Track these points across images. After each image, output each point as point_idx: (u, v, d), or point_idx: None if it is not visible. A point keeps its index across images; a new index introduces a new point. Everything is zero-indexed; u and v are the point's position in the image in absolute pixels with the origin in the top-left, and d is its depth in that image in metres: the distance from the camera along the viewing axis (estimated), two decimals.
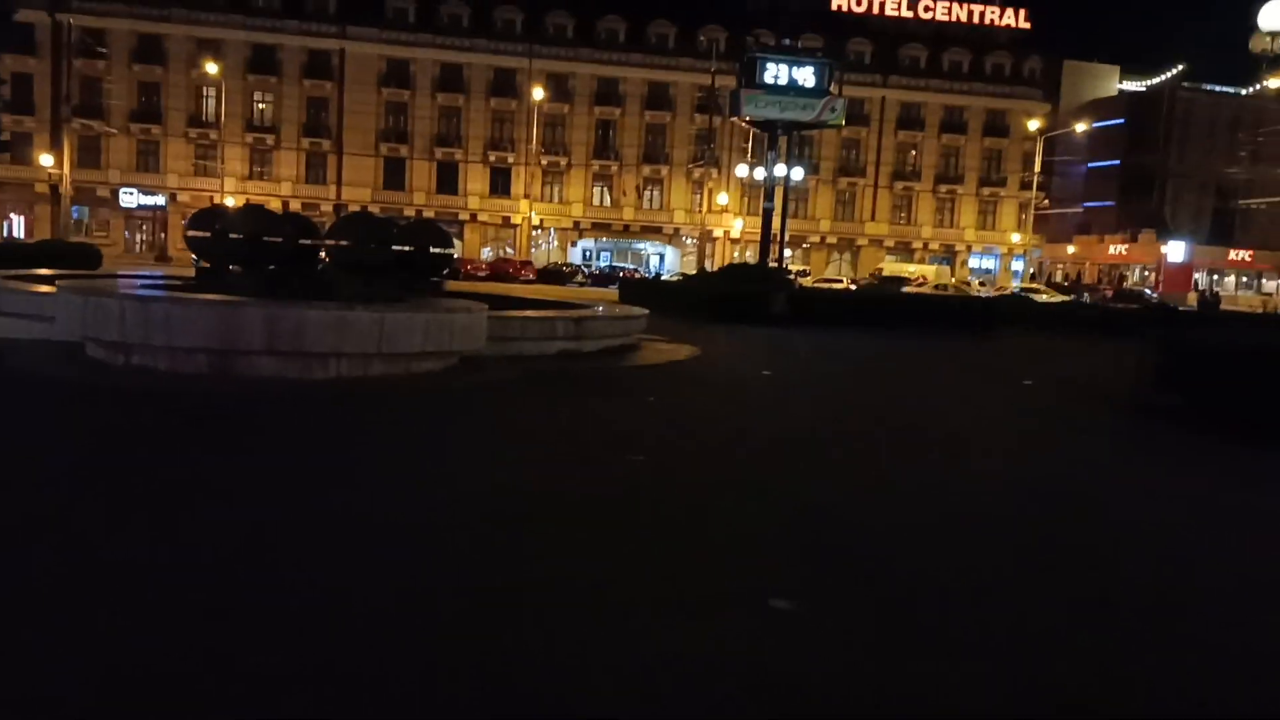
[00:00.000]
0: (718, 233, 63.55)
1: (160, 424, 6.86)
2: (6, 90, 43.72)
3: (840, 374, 13.61)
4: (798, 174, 26.33)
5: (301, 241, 14.67)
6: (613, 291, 45.81)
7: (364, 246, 13.84)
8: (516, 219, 62.58)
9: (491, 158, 62.68)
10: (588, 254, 65.27)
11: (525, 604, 3.67)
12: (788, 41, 31.65)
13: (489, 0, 62.21)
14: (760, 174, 25.37)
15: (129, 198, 58.94)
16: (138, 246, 59.80)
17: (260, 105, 61.13)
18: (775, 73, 27.52)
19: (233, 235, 13.91)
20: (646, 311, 14.26)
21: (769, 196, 26.83)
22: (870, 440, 8.04)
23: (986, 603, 4.03)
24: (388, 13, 61.47)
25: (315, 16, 60.47)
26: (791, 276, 30.81)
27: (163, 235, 59.59)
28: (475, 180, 62.96)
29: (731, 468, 6.50)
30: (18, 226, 57.36)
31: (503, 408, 8.49)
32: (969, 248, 68.60)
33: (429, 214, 60.07)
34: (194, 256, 14.89)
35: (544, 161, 62.44)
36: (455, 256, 16.09)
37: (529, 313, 12.37)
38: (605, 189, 64.56)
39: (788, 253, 64.38)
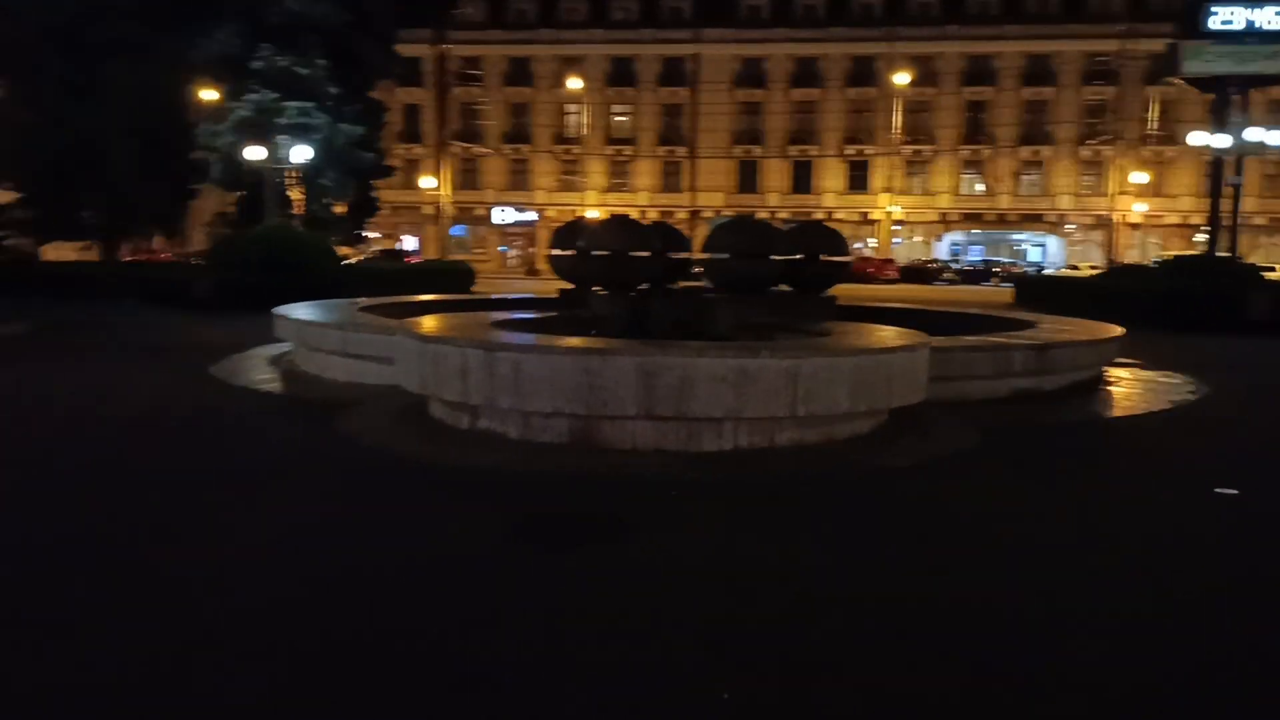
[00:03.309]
0: (1113, 219, 55.45)
1: (516, 555, 4.55)
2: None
3: None
4: (1276, 138, 20.57)
5: (671, 255, 12.51)
6: (996, 290, 40.60)
7: (744, 258, 11.33)
8: (876, 214, 58.58)
9: (849, 151, 59.14)
10: (956, 248, 59.68)
11: None
12: None
13: None
14: (1223, 141, 19.95)
15: (502, 215, 62.42)
16: (510, 261, 63.16)
17: (618, 118, 62.17)
18: (1228, 16, 21.79)
19: (596, 252, 12.01)
20: (1122, 331, 10.45)
21: (1237, 170, 21.17)
22: None
23: None
24: (741, 11, 60.01)
25: (671, 23, 60.39)
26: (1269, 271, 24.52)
27: (532, 250, 62.48)
28: (831, 177, 59.77)
29: None
30: (410, 246, 62.67)
31: (1002, 512, 5.39)
32: None
33: (783, 215, 57.84)
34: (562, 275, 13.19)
35: (906, 151, 57.86)
36: (850, 262, 13.09)
37: (969, 339, 9.14)
38: (976, 176, 58.60)
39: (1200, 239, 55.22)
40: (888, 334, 7.65)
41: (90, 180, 28.31)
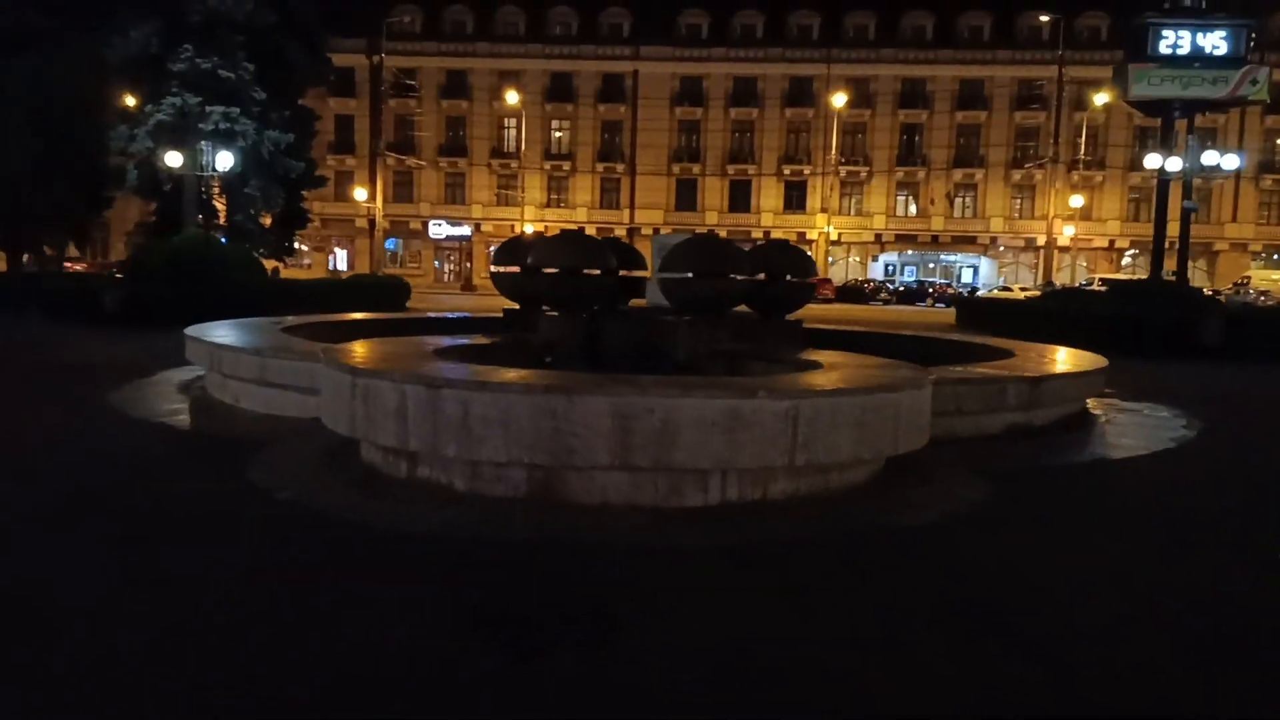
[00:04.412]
0: (1041, 240, 56.23)
1: (471, 664, 3.55)
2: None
3: None
4: (1231, 162, 20.52)
5: (626, 274, 11.60)
6: (936, 312, 40.59)
7: (706, 279, 10.46)
8: (812, 234, 58.58)
9: (786, 171, 59.18)
10: (890, 269, 60.07)
11: None
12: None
13: (784, 7, 58.86)
14: (1175, 164, 19.83)
15: (437, 229, 61.03)
16: (446, 276, 61.72)
17: (557, 133, 61.29)
18: (1174, 41, 21.80)
19: (545, 270, 11.04)
20: (1106, 362, 9.83)
21: (1187, 194, 21.05)
22: None
23: None
24: (680, 29, 59.79)
25: (610, 39, 59.86)
26: (1221, 293, 24.45)
27: (468, 264, 61.17)
28: (769, 196, 59.72)
29: None
30: (341, 259, 60.83)
31: (1052, 591, 4.54)
32: None
33: (721, 233, 57.53)
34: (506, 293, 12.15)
35: (842, 172, 58.03)
36: (816, 284, 12.28)
37: (957, 370, 8.38)
38: (910, 198, 59.10)
39: (1117, 261, 56.20)
40: (886, 368, 6.82)
41: None
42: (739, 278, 10.71)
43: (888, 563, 4.70)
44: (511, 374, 5.78)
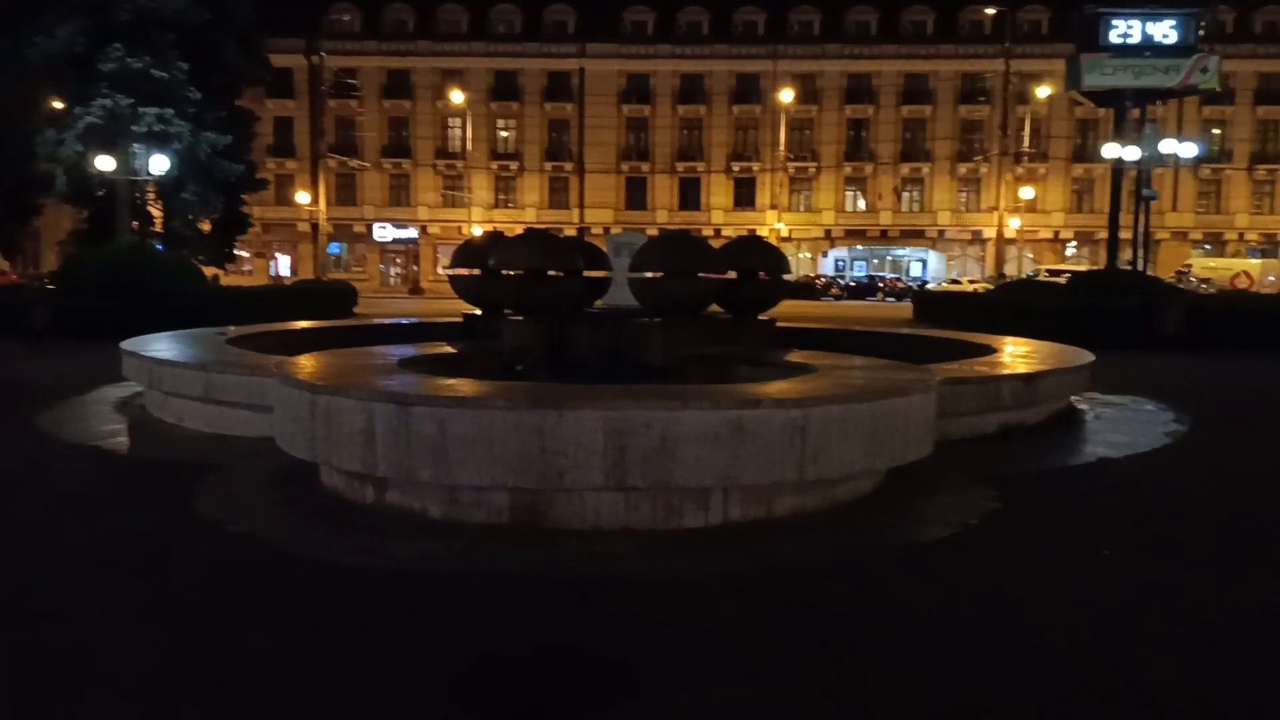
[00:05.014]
0: (988, 233, 56.82)
1: None
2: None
3: None
4: (1189, 150, 20.58)
5: (590, 274, 11.07)
6: (891, 306, 40.50)
7: (678, 278, 9.99)
8: (763, 231, 58.34)
9: (735, 168, 58.96)
10: (840, 264, 60.19)
11: None
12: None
13: (729, 4, 58.65)
14: (1131, 154, 19.85)
15: (382, 232, 59.78)
16: (392, 280, 60.52)
17: (503, 133, 60.39)
18: (1125, 30, 21.87)
19: (507, 272, 10.49)
20: (1092, 357, 9.55)
21: (1146, 183, 21.09)
22: None
23: None
24: (625, 27, 59.25)
25: (554, 37, 59.11)
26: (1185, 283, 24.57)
27: (415, 268, 60.04)
28: (719, 194, 59.46)
29: None
30: (283, 265, 59.33)
31: (1098, 618, 4.15)
32: None
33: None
34: (466, 298, 11.58)
35: (791, 169, 58.00)
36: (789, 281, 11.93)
37: (948, 368, 8.00)
38: (859, 193, 59.22)
39: (1072, 251, 57.03)
40: (886, 369, 6.42)
41: None
42: (712, 276, 10.29)
43: (914, 589, 4.27)
44: (491, 388, 5.26)
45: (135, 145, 27.48)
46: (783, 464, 4.91)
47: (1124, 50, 21.77)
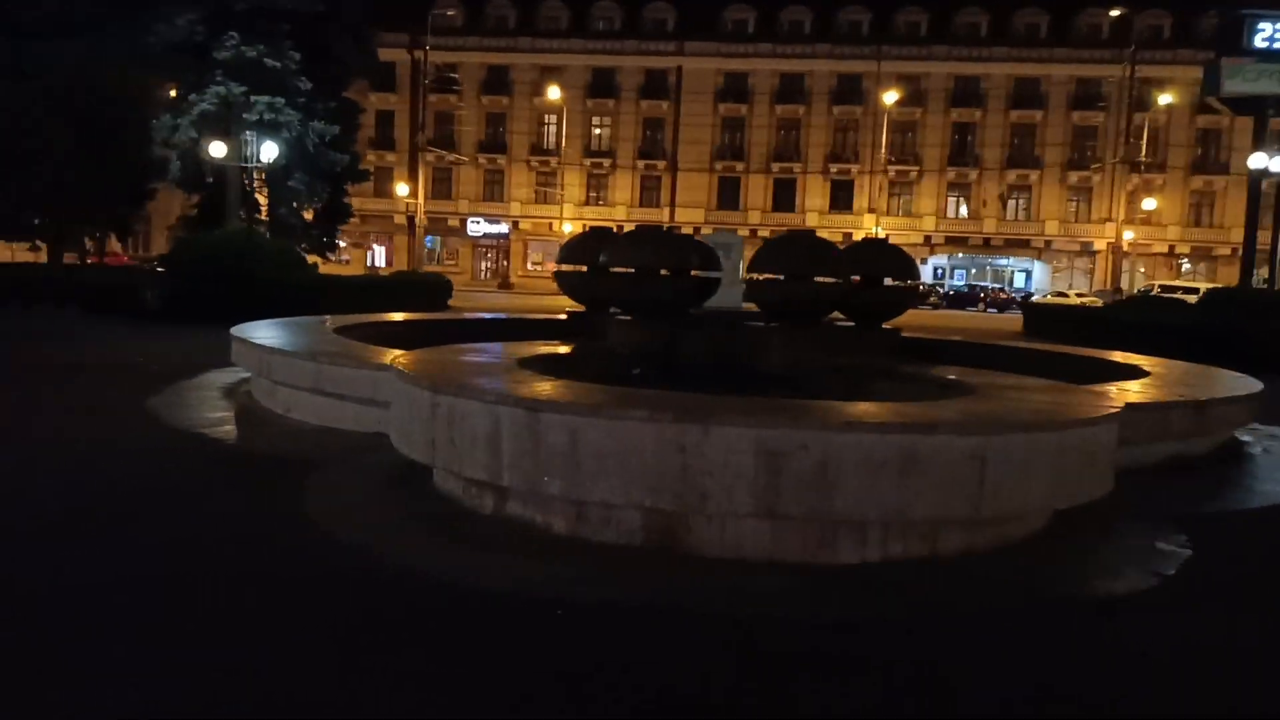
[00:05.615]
0: (1097, 245, 54.57)
1: None
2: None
3: None
4: None
5: (699, 274, 10.56)
6: (1000, 318, 38.80)
7: (798, 281, 9.43)
8: (859, 235, 57.13)
9: (833, 170, 57.79)
10: (939, 272, 58.49)
11: None
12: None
13: (833, 3, 57.54)
14: (1278, 165, 18.60)
15: (476, 226, 60.32)
16: (483, 274, 61.02)
17: (597, 130, 60.33)
18: (1271, 34, 20.41)
19: (616, 269, 10.08)
20: (1260, 385, 8.67)
21: None
22: None
23: None
24: (726, 25, 58.64)
25: (653, 35, 58.82)
26: None
27: (505, 263, 60.44)
28: (814, 196, 58.36)
29: None
30: (379, 256, 60.32)
31: None
32: None
33: (764, 233, 56.42)
34: (574, 296, 11.20)
35: (891, 172, 56.59)
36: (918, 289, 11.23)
37: (1107, 390, 7.26)
38: (962, 199, 57.48)
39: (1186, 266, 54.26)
40: (1056, 392, 5.77)
41: (28, 174, 25.79)
42: (836, 281, 9.70)
43: (1111, 653, 3.66)
44: (628, 396, 4.79)
45: (246, 132, 27.99)
46: (957, 498, 4.34)
47: (1269, 55, 20.35)
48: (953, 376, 6.47)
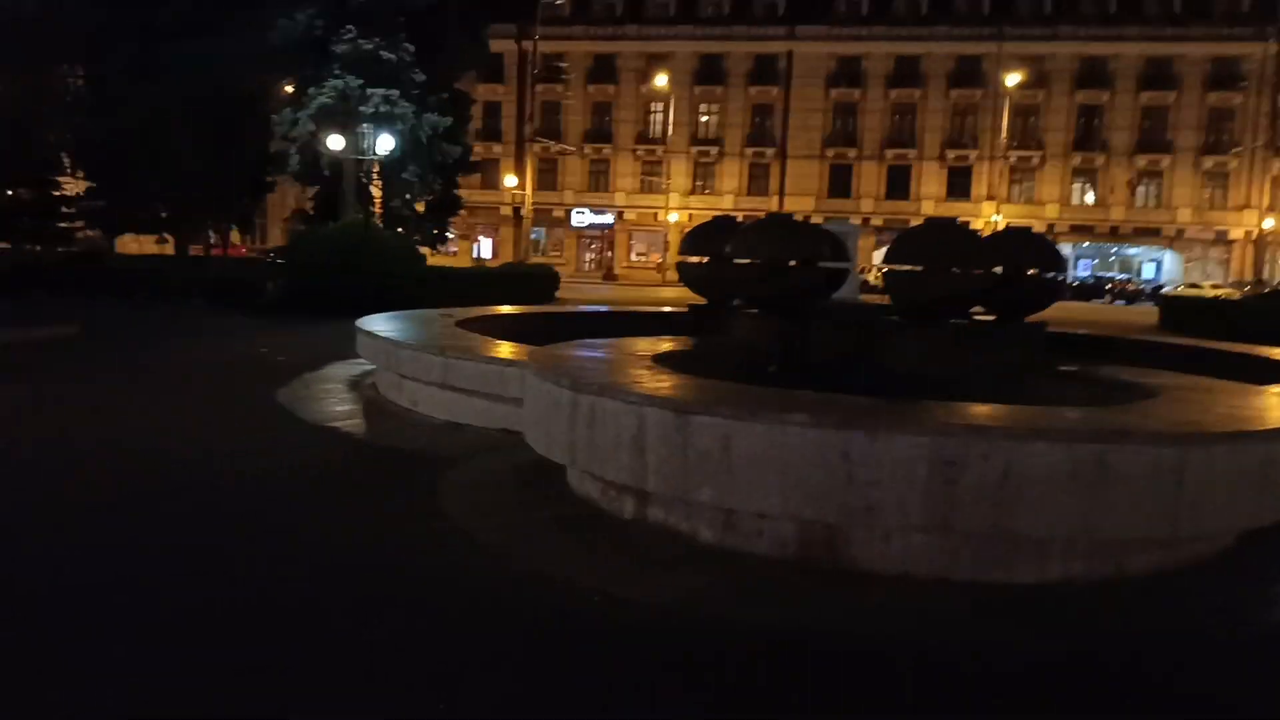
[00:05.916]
0: (1234, 234, 51.45)
1: None
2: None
3: None
4: None
5: (828, 265, 10.11)
6: (1134, 311, 36.86)
7: (941, 273, 8.91)
8: (977, 224, 55.17)
9: (949, 156, 55.90)
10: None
11: None
12: None
13: None
14: None
15: (580, 217, 60.50)
16: (587, 265, 61.23)
17: (704, 117, 59.75)
18: None
19: (740, 260, 9.72)
20: None
21: None
22: None
23: None
24: (838, 8, 57.29)
25: (763, 19, 57.88)
26: None
27: (609, 254, 60.49)
28: (930, 183, 56.57)
29: None
30: (485, 248, 61.12)
31: None
32: None
33: (877, 222, 55.12)
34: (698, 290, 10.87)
35: (1012, 157, 54.44)
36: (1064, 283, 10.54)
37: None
38: (1087, 185, 54.89)
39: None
40: (1243, 394, 5.20)
41: (157, 170, 26.83)
42: (980, 272, 9.14)
43: None
44: (785, 398, 4.46)
45: (363, 125, 28.52)
46: (1152, 514, 3.89)
47: None
48: (1126, 377, 5.93)
